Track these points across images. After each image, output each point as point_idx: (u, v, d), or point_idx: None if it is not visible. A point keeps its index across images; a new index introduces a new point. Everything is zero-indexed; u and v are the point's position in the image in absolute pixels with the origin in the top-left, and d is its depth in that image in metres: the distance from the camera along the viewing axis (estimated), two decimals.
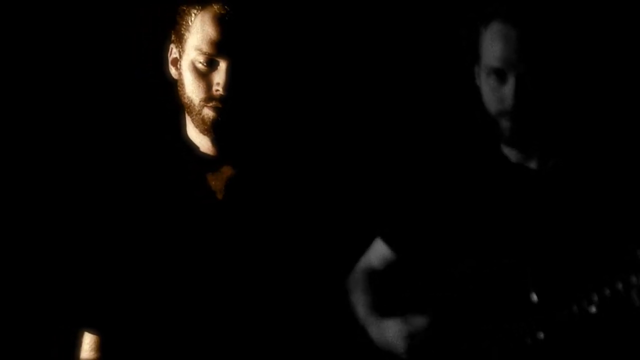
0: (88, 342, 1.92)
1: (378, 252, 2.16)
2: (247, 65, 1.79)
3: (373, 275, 2.15)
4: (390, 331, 1.99)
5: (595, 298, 1.73)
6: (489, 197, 1.97)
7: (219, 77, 1.77)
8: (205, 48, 1.77)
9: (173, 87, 1.88)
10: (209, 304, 1.85)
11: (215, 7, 1.78)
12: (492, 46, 1.84)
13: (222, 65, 1.78)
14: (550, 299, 1.82)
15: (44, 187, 2.34)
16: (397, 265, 2.14)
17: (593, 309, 1.74)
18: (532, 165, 1.94)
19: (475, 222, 1.98)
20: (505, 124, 1.87)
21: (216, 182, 1.89)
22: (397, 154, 2.46)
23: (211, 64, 1.78)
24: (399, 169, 2.39)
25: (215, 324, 1.85)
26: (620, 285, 1.70)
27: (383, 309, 2.07)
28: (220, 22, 1.77)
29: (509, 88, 1.84)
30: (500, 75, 1.85)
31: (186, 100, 1.83)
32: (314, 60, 2.44)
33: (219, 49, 1.76)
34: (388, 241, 2.14)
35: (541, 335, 1.83)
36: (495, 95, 1.87)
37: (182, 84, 1.83)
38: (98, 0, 2.33)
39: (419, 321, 1.94)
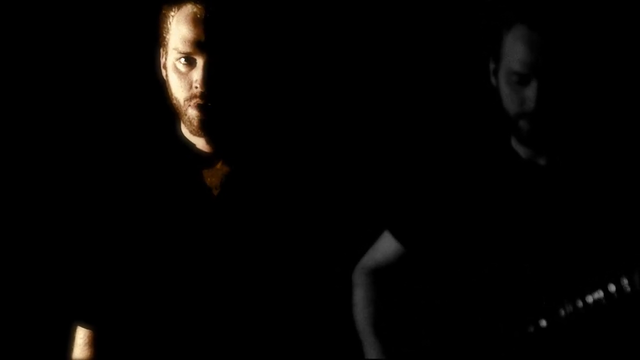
0: (81, 337, 1.92)
1: (385, 246, 2.16)
2: (224, 61, 1.80)
3: (376, 273, 2.16)
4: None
5: (601, 293, 1.76)
6: (499, 193, 1.98)
7: (197, 74, 1.79)
8: (182, 47, 1.79)
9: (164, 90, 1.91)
10: (204, 300, 1.85)
11: (189, 5, 1.79)
12: (515, 50, 1.84)
13: (199, 63, 1.79)
14: (558, 294, 1.84)
15: (38, 182, 2.35)
16: (404, 260, 2.14)
17: (599, 302, 1.77)
18: (542, 161, 1.95)
19: (484, 217, 1.99)
20: (524, 125, 1.87)
21: (212, 178, 1.90)
22: (406, 149, 2.47)
23: (190, 63, 1.80)
24: (409, 163, 2.39)
25: (210, 321, 1.85)
26: (625, 281, 1.73)
27: (385, 312, 2.10)
28: (194, 20, 1.78)
29: (531, 91, 1.84)
30: (522, 78, 1.84)
31: (174, 102, 1.85)
32: (308, 55, 2.45)
33: (194, 46, 1.78)
34: (397, 235, 2.13)
35: (543, 322, 1.85)
36: (516, 97, 1.86)
37: (169, 85, 1.86)
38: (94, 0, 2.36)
39: None
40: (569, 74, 1.82)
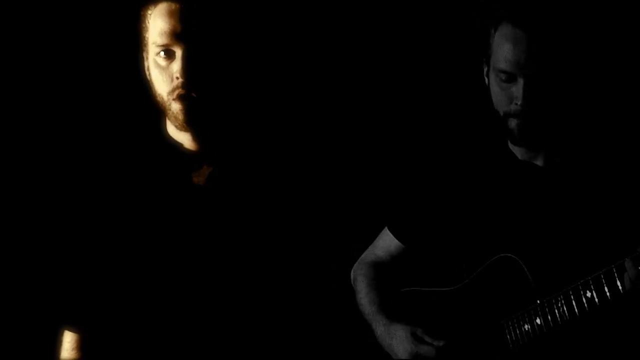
0: (69, 341, 1.91)
1: (385, 243, 2.19)
2: (203, 50, 1.82)
3: (378, 265, 2.19)
4: (397, 340, 2.04)
5: (594, 292, 1.76)
6: (496, 192, 2.00)
7: (177, 65, 1.82)
8: (160, 40, 1.83)
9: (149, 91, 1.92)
10: (193, 302, 1.85)
11: (164, 1, 1.84)
12: (502, 49, 1.86)
13: (178, 54, 1.82)
14: (553, 293, 1.84)
15: (24, 188, 2.36)
16: (405, 256, 2.17)
17: (594, 300, 1.77)
18: (539, 162, 1.97)
19: (482, 216, 2.01)
20: (513, 123, 1.89)
21: (199, 178, 1.91)
22: (405, 149, 2.50)
23: (169, 56, 1.83)
24: (407, 163, 2.44)
25: (201, 322, 1.85)
26: (618, 280, 1.73)
27: (391, 307, 2.12)
28: (169, 13, 1.83)
29: (517, 89, 1.85)
30: (509, 76, 1.86)
31: (158, 99, 1.87)
32: (296, 48, 2.46)
33: (171, 37, 1.82)
34: (397, 233, 2.16)
35: (538, 321, 1.86)
36: (504, 95, 1.88)
37: (152, 83, 1.88)
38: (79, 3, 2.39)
39: (428, 349, 1.97)
40: (555, 72, 1.83)
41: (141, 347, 1.86)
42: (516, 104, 1.85)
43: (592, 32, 1.96)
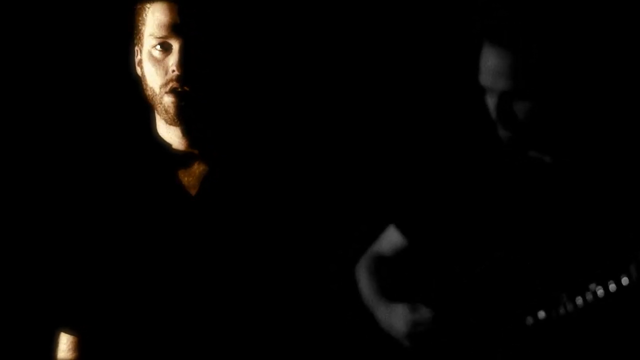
0: (65, 343, 1.91)
1: (391, 239, 2.20)
2: (200, 46, 1.83)
3: (383, 261, 2.20)
4: (395, 315, 2.06)
5: (600, 288, 1.78)
6: (503, 189, 2.01)
7: (173, 58, 1.82)
8: (157, 32, 1.83)
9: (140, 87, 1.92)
10: (189, 301, 1.85)
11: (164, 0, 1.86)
12: (482, 65, 1.89)
13: (175, 47, 1.82)
14: (558, 288, 1.86)
15: (14, 188, 2.37)
16: (407, 255, 2.18)
17: (598, 297, 1.79)
18: (547, 159, 1.97)
19: (489, 213, 2.02)
20: (499, 131, 1.91)
21: (189, 178, 1.90)
22: (413, 146, 2.51)
23: (165, 49, 1.84)
24: (416, 160, 2.47)
25: (198, 323, 1.85)
26: (623, 277, 1.74)
27: (390, 293, 2.14)
28: (169, 6, 1.83)
29: (492, 104, 1.89)
30: (488, 90, 1.89)
31: (149, 92, 1.87)
32: (294, 45, 2.46)
33: (169, 30, 1.82)
34: (403, 230, 2.17)
35: (542, 313, 1.87)
36: (490, 105, 1.91)
37: (144, 76, 1.88)
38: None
39: (425, 312, 2.01)
40: (529, 88, 1.83)
41: (135, 349, 1.85)
42: (493, 116, 1.88)
43: (568, 44, 1.93)
